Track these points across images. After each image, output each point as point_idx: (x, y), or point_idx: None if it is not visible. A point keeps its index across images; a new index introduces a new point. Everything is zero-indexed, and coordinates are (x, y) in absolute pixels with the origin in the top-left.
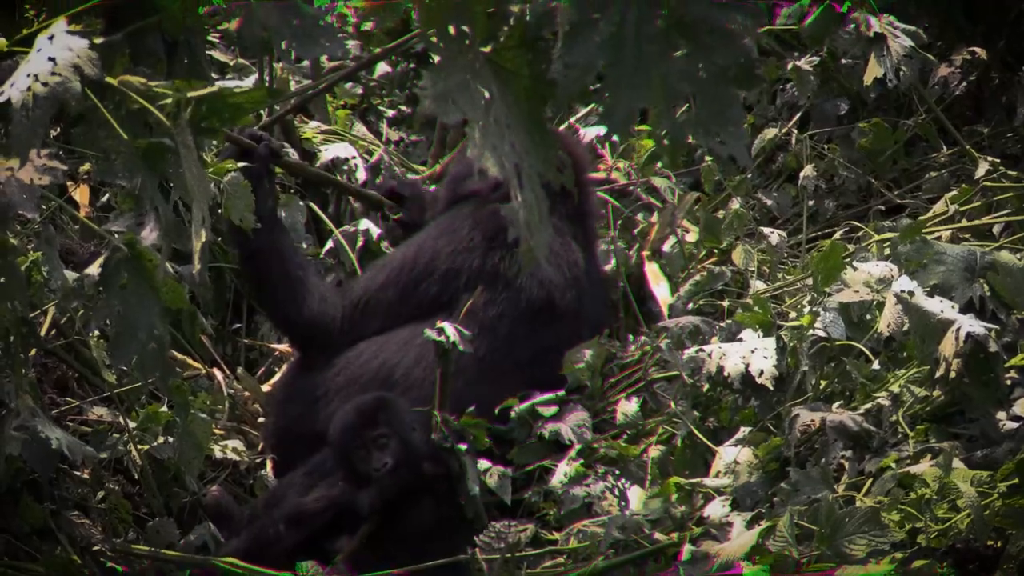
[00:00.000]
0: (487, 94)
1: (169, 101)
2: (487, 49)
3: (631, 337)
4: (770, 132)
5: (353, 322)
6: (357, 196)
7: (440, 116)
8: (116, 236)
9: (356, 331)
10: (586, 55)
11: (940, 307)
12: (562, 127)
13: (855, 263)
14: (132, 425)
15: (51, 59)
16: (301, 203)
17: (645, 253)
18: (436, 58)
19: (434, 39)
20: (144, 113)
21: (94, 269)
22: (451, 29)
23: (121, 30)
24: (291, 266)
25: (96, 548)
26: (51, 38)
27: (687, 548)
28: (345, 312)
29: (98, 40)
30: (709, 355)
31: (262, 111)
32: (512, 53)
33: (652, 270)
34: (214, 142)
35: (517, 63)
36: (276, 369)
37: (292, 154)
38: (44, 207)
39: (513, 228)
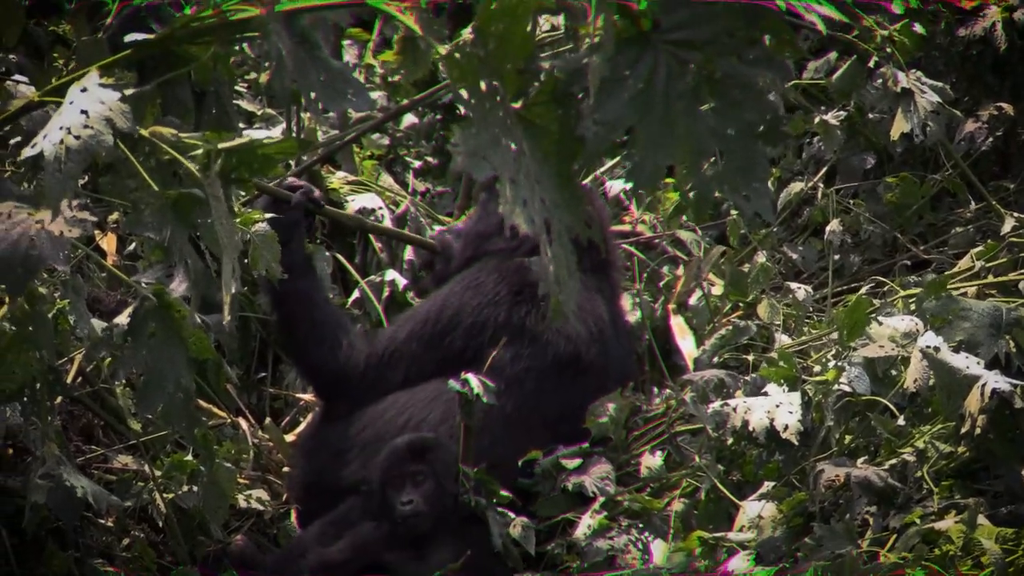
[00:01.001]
0: (516, 149)
1: (199, 152)
2: (517, 105)
3: (656, 390)
4: (796, 186)
5: (377, 373)
6: (411, 241)
7: (472, 173)
8: (145, 286)
9: (379, 383)
10: (616, 112)
11: (966, 363)
12: (588, 179)
13: (880, 318)
14: (157, 473)
15: (84, 112)
16: (327, 253)
17: (671, 306)
18: (462, 110)
19: (464, 95)
20: (174, 164)
21: (123, 319)
22: (482, 85)
23: (151, 80)
24: (321, 313)
25: None
26: (84, 90)
27: None
28: (369, 363)
29: (129, 91)
30: (734, 409)
31: (291, 161)
32: (542, 109)
33: (678, 323)
34: (242, 192)
35: (547, 119)
36: (301, 419)
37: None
38: (72, 255)
39: (543, 283)
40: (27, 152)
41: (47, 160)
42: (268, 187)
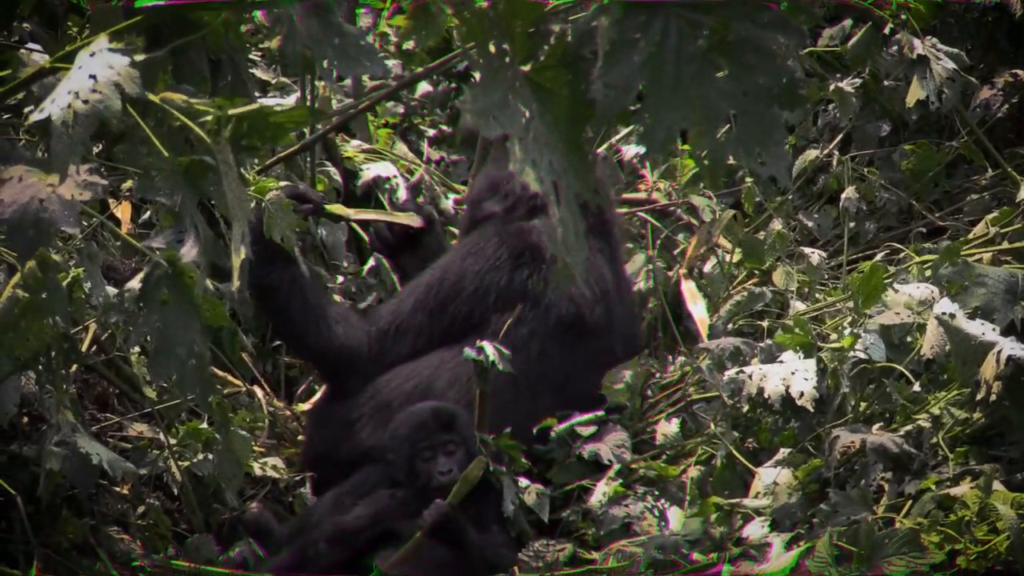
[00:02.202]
0: (527, 112)
1: (210, 118)
2: (527, 68)
3: (670, 357)
4: (811, 153)
5: (383, 348)
6: (394, 217)
7: (481, 131)
8: (157, 252)
9: (386, 357)
10: (626, 75)
11: (981, 329)
12: (603, 147)
13: (896, 285)
14: (172, 441)
15: (92, 76)
16: (342, 222)
17: (682, 271)
18: (477, 75)
19: (474, 54)
20: (185, 130)
21: (135, 284)
22: (491, 47)
23: (164, 47)
24: (310, 297)
25: (136, 564)
26: (92, 55)
27: (725, 568)
28: (373, 338)
29: (140, 57)
30: (749, 376)
31: (304, 130)
32: (552, 72)
33: (689, 289)
34: (255, 161)
35: (557, 82)
36: (316, 387)
37: (335, 174)
38: (86, 224)
39: (553, 246)
40: (35, 117)
41: (54, 124)
42: (291, 186)
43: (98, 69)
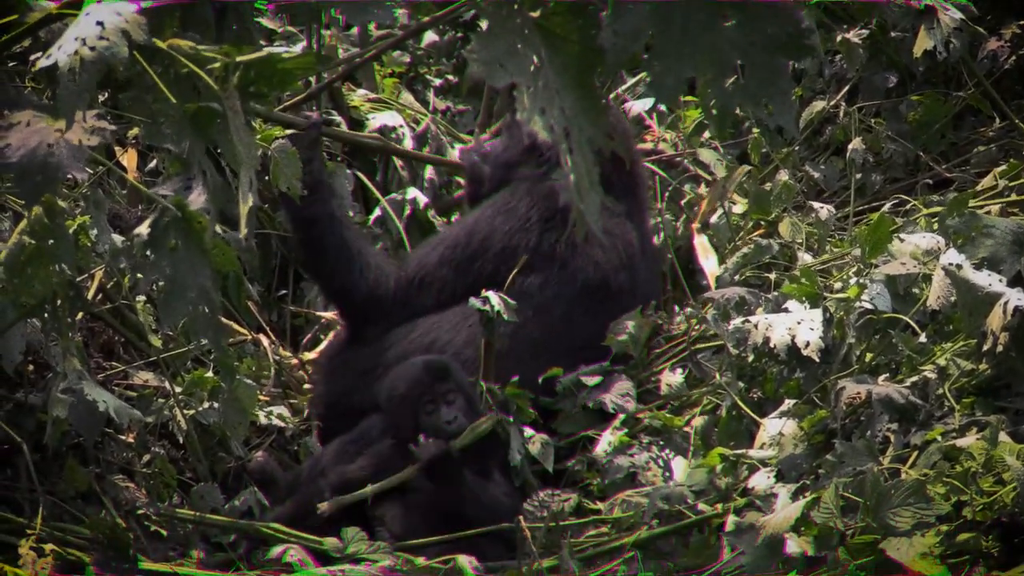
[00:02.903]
0: (536, 59)
1: (218, 65)
2: (535, 14)
3: (677, 309)
4: (818, 104)
5: (407, 298)
6: (436, 163)
7: (488, 80)
8: (165, 199)
9: (409, 307)
10: (634, 22)
11: (988, 280)
12: (610, 97)
13: (902, 235)
14: (178, 390)
15: (99, 23)
16: (348, 171)
17: (695, 226)
18: (484, 23)
19: (482, 2)
20: (192, 77)
21: (143, 229)
22: None
23: None
24: (349, 235)
25: (141, 512)
26: (100, 1)
27: (731, 519)
28: (399, 287)
29: (148, 4)
30: (755, 326)
31: (310, 78)
32: (561, 19)
33: (701, 243)
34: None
35: (566, 29)
36: (322, 337)
37: (341, 123)
38: (91, 171)
39: (565, 193)
40: (42, 63)
41: (61, 71)
42: (282, 115)
43: (106, 16)
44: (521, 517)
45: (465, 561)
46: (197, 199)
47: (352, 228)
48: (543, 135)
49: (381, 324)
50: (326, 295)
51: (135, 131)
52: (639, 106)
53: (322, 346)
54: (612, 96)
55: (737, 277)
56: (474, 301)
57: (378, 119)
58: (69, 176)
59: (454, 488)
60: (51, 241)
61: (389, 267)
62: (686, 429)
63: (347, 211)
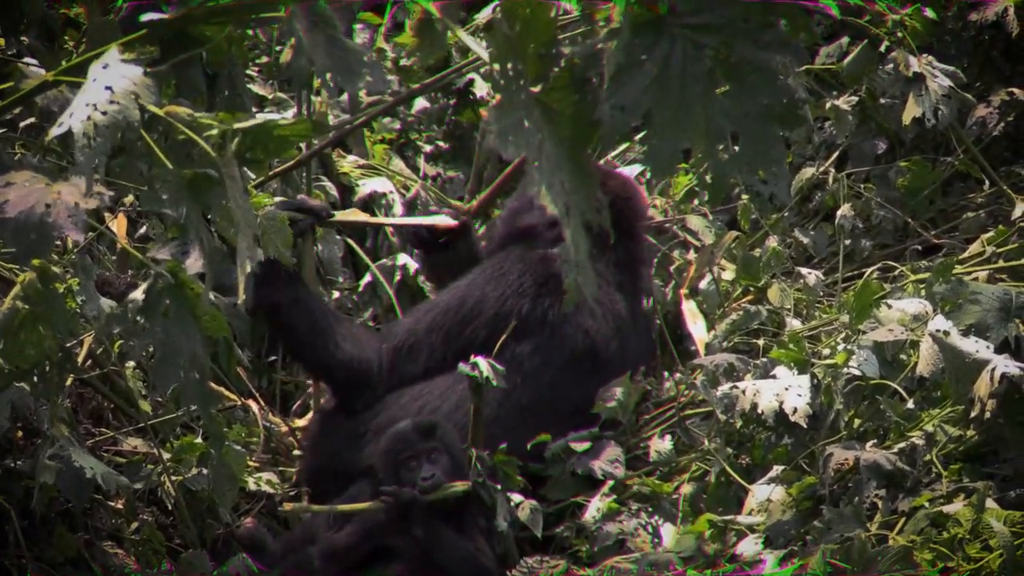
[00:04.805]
0: (540, 135)
1: (215, 132)
2: (536, 89)
3: (667, 375)
4: (808, 171)
5: (394, 365)
6: (431, 223)
7: (502, 151)
8: (161, 263)
9: (397, 374)
10: (633, 96)
11: (975, 347)
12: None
13: (890, 301)
14: (166, 456)
15: (108, 88)
16: (338, 237)
17: (683, 292)
18: (477, 94)
19: (497, 77)
20: (189, 144)
21: (137, 295)
22: (509, 66)
23: (165, 62)
24: (317, 315)
25: None
26: (105, 67)
27: None
28: (387, 355)
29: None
30: (743, 392)
31: (302, 145)
32: (560, 94)
33: (690, 309)
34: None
35: (564, 104)
36: (311, 404)
37: (331, 189)
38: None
39: (565, 265)
40: (54, 131)
41: (76, 136)
42: (291, 201)
43: (114, 80)
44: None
45: None
46: (194, 264)
47: (320, 306)
48: (551, 209)
49: (367, 394)
50: (311, 374)
51: (130, 198)
52: (628, 172)
53: (311, 413)
54: (601, 162)
55: (726, 343)
56: (463, 367)
57: (368, 185)
58: (65, 236)
59: (425, 537)
60: (45, 306)
61: (369, 338)
62: (675, 495)
63: (311, 289)
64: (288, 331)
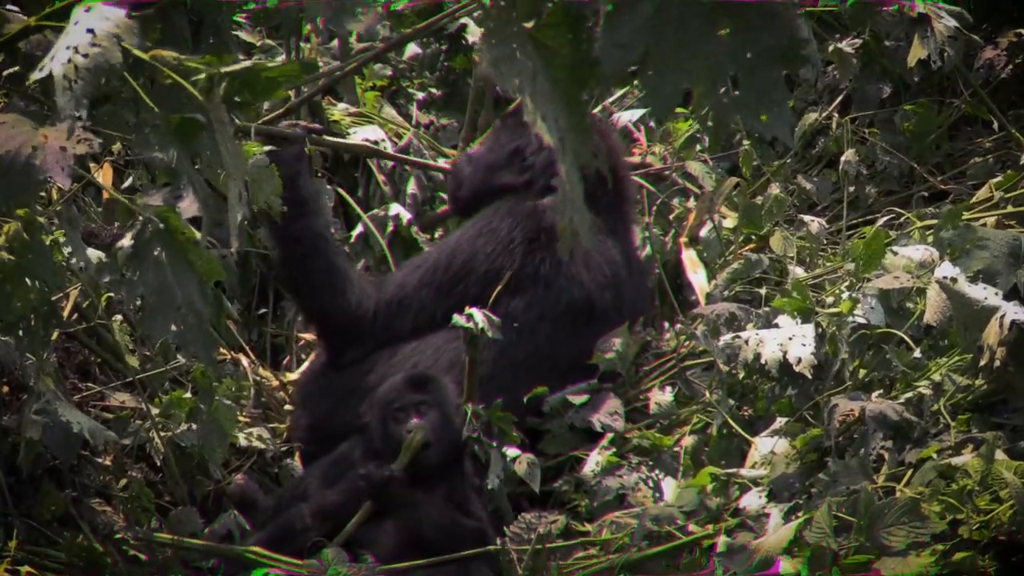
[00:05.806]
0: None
1: (202, 76)
2: (529, 25)
3: (667, 325)
4: (811, 116)
5: (386, 321)
6: (420, 166)
7: (494, 80)
8: (151, 209)
9: (389, 330)
10: (629, 34)
11: (984, 294)
12: (596, 110)
13: (896, 248)
14: (155, 411)
15: (90, 30)
16: (329, 187)
17: (683, 240)
18: (468, 39)
19: (486, 7)
20: (176, 89)
21: (126, 242)
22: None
23: (151, 6)
24: (335, 255)
25: (118, 536)
26: (88, 10)
27: (722, 540)
28: (379, 309)
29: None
30: (746, 342)
31: (289, 93)
32: (553, 31)
33: (689, 257)
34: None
35: (558, 41)
36: (303, 357)
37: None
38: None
39: (553, 209)
40: (35, 75)
41: (57, 80)
42: (268, 128)
43: (95, 23)
44: (508, 539)
45: None
46: (189, 207)
47: (338, 248)
48: (547, 139)
49: (361, 347)
50: (306, 315)
51: (118, 146)
52: (626, 117)
53: (302, 368)
54: (599, 108)
55: (727, 292)
56: (458, 318)
57: (359, 133)
58: (50, 182)
59: (407, 511)
60: (30, 256)
61: (370, 288)
62: (676, 448)
63: (332, 230)
64: (301, 267)
